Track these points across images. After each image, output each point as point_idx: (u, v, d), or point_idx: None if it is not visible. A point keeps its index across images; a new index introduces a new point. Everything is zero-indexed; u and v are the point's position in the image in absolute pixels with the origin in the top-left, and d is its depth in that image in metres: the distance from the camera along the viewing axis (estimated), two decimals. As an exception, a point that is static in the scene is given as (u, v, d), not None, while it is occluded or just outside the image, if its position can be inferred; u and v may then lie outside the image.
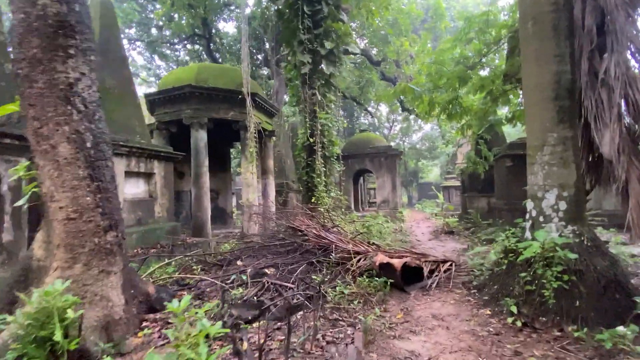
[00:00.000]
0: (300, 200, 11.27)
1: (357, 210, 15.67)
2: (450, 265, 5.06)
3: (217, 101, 7.59)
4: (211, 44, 19.23)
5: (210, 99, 7.52)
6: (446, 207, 10.60)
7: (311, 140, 10.10)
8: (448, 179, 19.94)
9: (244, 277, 3.99)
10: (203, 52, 19.39)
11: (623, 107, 3.86)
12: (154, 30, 19.85)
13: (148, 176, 6.00)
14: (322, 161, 10.52)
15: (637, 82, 3.76)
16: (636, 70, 4.02)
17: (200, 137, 7.37)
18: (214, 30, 20.46)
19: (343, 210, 12.25)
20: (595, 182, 4.45)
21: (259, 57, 19.55)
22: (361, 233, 6.40)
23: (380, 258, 4.32)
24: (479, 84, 7.42)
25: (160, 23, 19.54)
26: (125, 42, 20.20)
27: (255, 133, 7.29)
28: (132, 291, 3.29)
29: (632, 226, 3.42)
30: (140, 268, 4.43)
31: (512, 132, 14.52)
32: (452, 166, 23.08)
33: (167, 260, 4.87)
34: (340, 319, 3.26)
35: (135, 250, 5.29)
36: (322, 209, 9.71)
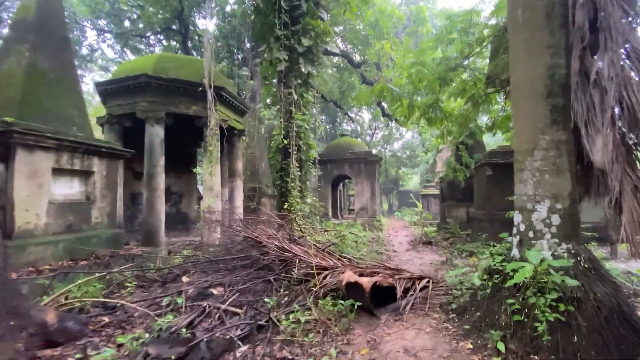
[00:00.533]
0: (275, 206, 10.56)
1: (336, 217, 15.10)
2: (428, 282, 4.50)
3: (178, 94, 6.82)
4: (188, 41, 18.32)
5: (169, 92, 6.75)
6: (425, 216, 10.19)
7: (286, 142, 9.47)
8: (427, 187, 19.77)
9: (180, 300, 3.26)
10: (179, 49, 18.42)
11: (617, 112, 3.46)
12: (127, 23, 18.73)
13: (85, 175, 5.15)
14: (297, 165, 9.90)
15: (633, 84, 3.37)
16: (632, 72, 3.66)
17: (155, 133, 6.56)
18: (191, 27, 19.58)
19: (319, 217, 11.63)
20: (585, 193, 4.03)
21: (239, 56, 18.83)
22: (333, 244, 5.78)
23: (348, 276, 3.70)
24: (461, 87, 7.05)
25: (135, 16, 18.50)
26: (93, 33, 18.95)
27: (217, 131, 6.55)
28: (14, 321, 2.51)
29: (626, 242, 2.98)
30: (52, 286, 3.60)
31: (491, 143, 14.44)
32: (432, 174, 23.02)
33: (97, 275, 4.05)
34: (291, 358, 2.60)
35: (60, 264, 4.43)
36: (293, 217, 9.05)
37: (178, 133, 8.59)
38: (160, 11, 17.27)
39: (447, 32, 6.63)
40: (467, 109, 7.43)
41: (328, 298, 3.62)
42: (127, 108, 6.77)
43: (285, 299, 3.63)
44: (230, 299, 3.44)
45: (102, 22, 18.22)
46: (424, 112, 7.50)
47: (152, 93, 6.65)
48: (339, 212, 15.79)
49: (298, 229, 6.63)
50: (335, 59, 15.17)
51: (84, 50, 19.45)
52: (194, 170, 6.05)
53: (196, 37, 20.33)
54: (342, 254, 5.69)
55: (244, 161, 11.71)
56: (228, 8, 19.47)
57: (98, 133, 8.04)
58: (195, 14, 18.66)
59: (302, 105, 10.32)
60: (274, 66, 9.73)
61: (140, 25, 17.26)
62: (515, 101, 3.52)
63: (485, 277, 3.38)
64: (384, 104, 13.80)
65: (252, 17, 10.71)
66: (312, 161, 10.48)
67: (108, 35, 18.12)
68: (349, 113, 19.37)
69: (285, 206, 9.40)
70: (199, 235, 7.93)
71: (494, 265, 3.31)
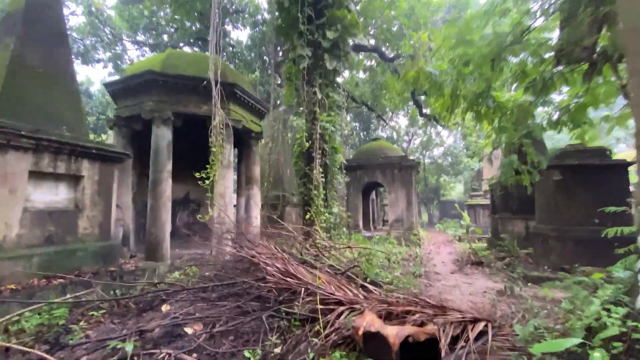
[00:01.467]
0: (301, 216, 9.63)
1: (367, 229, 13.79)
2: (486, 326, 3.20)
3: (186, 92, 6.22)
4: (221, 51, 18.41)
5: (176, 90, 6.16)
6: (473, 230, 8.60)
7: (308, 144, 8.55)
8: (473, 196, 17.69)
9: (129, 348, 2.36)
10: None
11: None
12: (165, 37, 19.41)
13: (74, 180, 4.57)
14: (322, 171, 8.91)
15: None
16: None
17: (161, 135, 5.97)
18: (227, 39, 19.80)
19: (346, 229, 10.47)
20: None
21: (272, 63, 18.57)
22: (354, 266, 4.65)
23: (368, 321, 2.57)
24: (519, 69, 5.64)
25: (172, 29, 19.13)
26: (131, 46, 19.83)
27: (224, 130, 5.78)
28: None
29: None
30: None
31: (549, 144, 12.30)
32: (478, 183, 20.76)
33: (57, 300, 3.33)
34: None
35: (31, 282, 3.80)
36: (312, 229, 8.02)
37: (194, 136, 8.05)
38: (196, 23, 17.63)
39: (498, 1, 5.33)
40: (525, 101, 5.95)
41: (338, 353, 2.52)
42: (134, 109, 6.29)
43: (277, 350, 2.59)
44: (212, 342, 2.48)
45: (141, 37, 19.01)
46: (471, 103, 6.15)
47: (158, 92, 6.10)
48: (371, 223, 14.47)
49: (314, 244, 5.58)
50: (366, 60, 14.14)
51: (126, 65, 20.50)
52: (196, 174, 5.28)
53: (231, 49, 20.55)
54: (368, 279, 4.54)
55: (267, 167, 10.99)
56: (259, 17, 19.47)
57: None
58: (229, 24, 18.80)
59: (328, 106, 9.38)
60: (298, 64, 8.95)
61: (175, 36, 17.67)
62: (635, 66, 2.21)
63: (583, 337, 2.05)
64: (421, 100, 12.38)
65: (276, 15, 10.11)
66: (338, 167, 9.43)
67: (146, 48, 18.82)
68: (383, 117, 18.05)
69: (307, 216, 8.42)
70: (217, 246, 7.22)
71: (610, 322, 1.99)
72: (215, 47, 5.84)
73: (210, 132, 6.28)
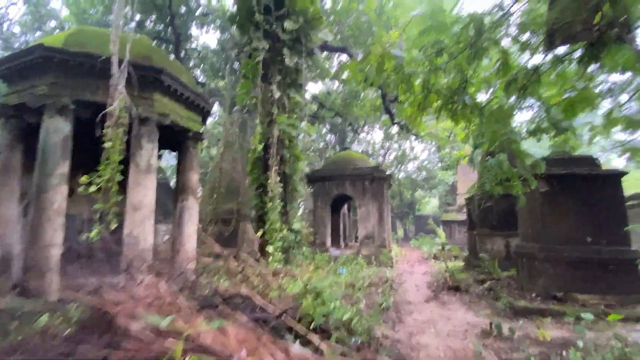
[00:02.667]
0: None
1: (337, 246, 12.57)
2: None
3: (95, 76, 4.87)
4: (181, 50, 17.12)
5: (82, 72, 4.82)
6: (449, 249, 7.60)
7: (259, 148, 7.34)
8: (448, 211, 17.03)
9: None
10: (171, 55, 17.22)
11: None
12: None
13: None
14: (280, 180, 7.69)
15: None
16: None
17: (54, 128, 4.56)
18: (193, 44, 18.64)
19: (308, 248, 9.21)
20: None
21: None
22: (284, 312, 3.40)
23: None
24: (502, 59, 4.78)
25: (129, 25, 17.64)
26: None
27: (125, 121, 4.45)
28: None
29: None
30: None
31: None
32: (453, 197, 20.26)
33: None
34: None
35: None
36: (271, 249, 6.72)
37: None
38: (156, 21, 16.31)
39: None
40: (502, 104, 5.09)
41: None
42: (24, 95, 4.83)
43: None
44: None
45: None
46: (446, 100, 5.21)
47: (56, 73, 4.72)
48: (341, 240, 13.29)
49: (243, 274, 4.30)
50: (335, 64, 13.37)
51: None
52: (83, 179, 3.88)
53: (197, 54, 19.28)
54: (317, 323, 3.30)
55: (218, 177, 9.62)
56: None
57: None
58: (196, 27, 17.60)
59: (290, 109, 8.28)
60: (254, 59, 7.85)
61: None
62: None
63: None
64: (393, 108, 11.56)
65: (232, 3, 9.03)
66: (300, 176, 8.26)
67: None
68: (354, 126, 17.21)
69: (259, 234, 7.11)
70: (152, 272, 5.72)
71: None
72: (119, 11, 4.58)
73: (134, 130, 4.94)
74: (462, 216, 14.97)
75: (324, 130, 31.40)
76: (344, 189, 11.10)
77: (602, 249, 5.14)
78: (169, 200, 15.87)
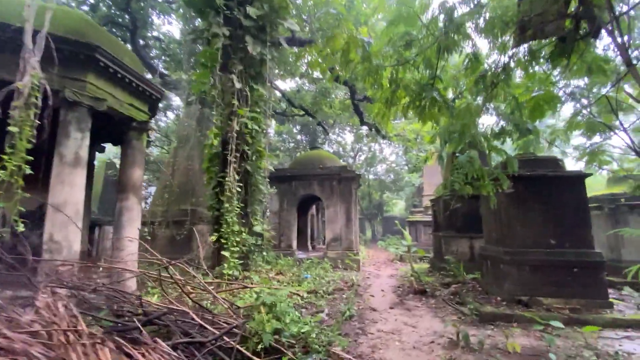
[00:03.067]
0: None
1: (304, 249, 12.11)
2: None
3: (6, 49, 4.01)
4: (138, 39, 15.82)
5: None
6: (415, 251, 7.41)
7: (215, 142, 6.70)
8: (414, 212, 17.19)
9: None
10: (128, 46, 15.84)
11: None
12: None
13: None
14: (240, 179, 7.08)
15: None
16: None
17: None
18: (155, 32, 17.32)
19: (271, 252, 8.66)
20: None
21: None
22: (224, 332, 2.89)
23: None
24: (471, 56, 4.60)
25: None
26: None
27: (37, 100, 3.68)
28: None
29: None
30: None
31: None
32: (419, 199, 20.57)
33: None
34: None
35: None
36: (227, 255, 6.11)
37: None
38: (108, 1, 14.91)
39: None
40: (471, 102, 4.91)
41: None
42: None
43: None
44: None
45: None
46: (414, 97, 4.94)
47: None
48: (309, 242, 12.84)
49: (182, 287, 3.71)
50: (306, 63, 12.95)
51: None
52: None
53: (156, 42, 17.96)
54: (261, 345, 2.80)
55: (172, 175, 8.79)
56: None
57: None
58: (151, 11, 16.31)
59: (253, 102, 7.69)
60: (212, 46, 7.17)
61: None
62: None
63: None
64: (362, 107, 11.30)
65: None
66: (262, 174, 7.68)
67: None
68: (323, 124, 16.83)
69: (213, 238, 6.45)
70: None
71: None
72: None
73: (62, 116, 4.14)
74: (428, 217, 15.13)
75: (295, 130, 30.88)
76: (312, 189, 10.66)
77: (566, 251, 5.11)
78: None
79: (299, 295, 4.57)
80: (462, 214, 8.11)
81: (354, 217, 10.44)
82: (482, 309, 4.87)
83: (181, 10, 15.60)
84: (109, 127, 5.71)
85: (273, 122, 30.49)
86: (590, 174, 5.46)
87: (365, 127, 13.45)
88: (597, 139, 5.96)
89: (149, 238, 8.59)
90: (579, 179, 5.35)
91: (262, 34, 7.68)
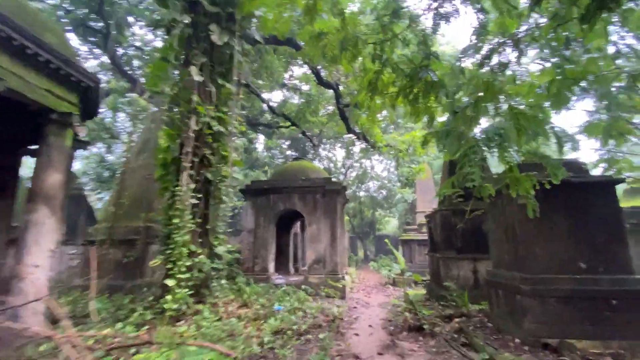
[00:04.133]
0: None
1: (285, 272, 10.72)
2: None
3: None
4: (115, 46, 14.92)
5: None
6: (409, 276, 6.18)
7: (165, 146, 5.54)
8: (408, 230, 16.00)
9: None
10: (99, 53, 14.93)
11: None
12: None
13: None
14: (195, 188, 5.87)
15: None
16: None
17: None
18: (136, 43, 16.49)
19: (242, 277, 7.33)
20: None
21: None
22: None
23: None
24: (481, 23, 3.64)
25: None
26: None
27: None
28: None
29: None
30: None
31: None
32: (412, 216, 19.44)
33: None
34: None
35: None
36: (171, 283, 4.81)
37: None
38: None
39: None
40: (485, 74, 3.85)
41: None
42: None
43: None
44: None
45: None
46: (405, 85, 3.89)
47: None
48: (291, 265, 11.47)
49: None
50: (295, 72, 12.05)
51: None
52: None
53: (132, 44, 17.07)
54: None
55: (124, 186, 7.53)
56: None
57: None
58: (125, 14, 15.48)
59: (220, 101, 6.62)
60: (172, 35, 6.16)
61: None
62: None
63: None
64: (346, 106, 10.22)
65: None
66: (226, 185, 6.46)
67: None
68: (313, 141, 15.77)
69: (156, 262, 5.15)
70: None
71: None
72: None
73: None
74: (423, 235, 13.93)
75: (284, 146, 29.93)
76: (292, 204, 9.44)
77: (600, 278, 3.97)
78: (82, 216, 12.97)
79: (228, 356, 3.26)
80: (462, 232, 6.97)
81: (340, 235, 9.20)
82: (499, 358, 3.63)
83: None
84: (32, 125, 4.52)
85: (262, 137, 29.59)
86: (622, 180, 4.42)
87: (352, 136, 12.41)
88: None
89: (93, 260, 7.19)
90: (609, 185, 4.29)
91: (231, 24, 6.71)
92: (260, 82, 13.76)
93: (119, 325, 4.48)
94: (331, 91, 11.46)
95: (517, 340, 4.18)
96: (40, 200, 4.19)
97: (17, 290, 3.85)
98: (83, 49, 17.52)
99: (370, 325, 5.84)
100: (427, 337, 4.98)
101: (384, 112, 10.00)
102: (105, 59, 16.49)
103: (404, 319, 5.67)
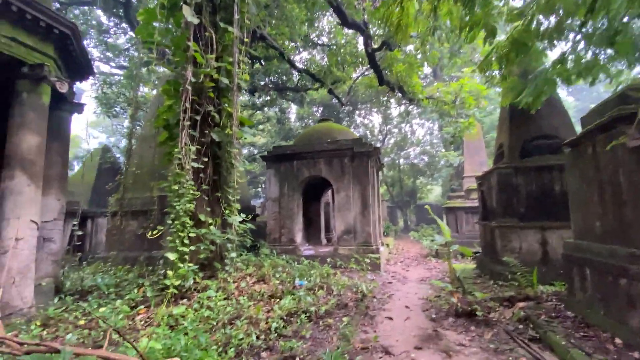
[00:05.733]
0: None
1: (317, 243, 10.05)
2: None
3: None
4: (134, 12, 14.49)
5: None
6: (457, 249, 5.01)
7: (170, 103, 4.77)
8: (453, 197, 14.38)
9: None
10: (121, 20, 14.56)
11: None
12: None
13: None
14: (203, 152, 5.13)
15: None
16: None
17: None
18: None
19: (266, 248, 6.69)
20: None
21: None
22: None
23: None
24: None
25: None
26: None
27: None
28: None
29: None
30: None
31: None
32: (458, 181, 17.59)
33: None
34: None
35: None
36: (172, 257, 4.22)
37: None
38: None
39: None
40: None
41: None
42: None
43: None
44: None
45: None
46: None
47: None
48: (322, 235, 10.76)
49: None
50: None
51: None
52: None
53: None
54: None
55: (142, 155, 7.08)
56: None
57: None
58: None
59: (222, 47, 5.66)
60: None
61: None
62: None
63: None
64: (377, 50, 8.56)
65: None
66: (237, 144, 5.62)
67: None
68: (342, 100, 14.19)
69: (153, 233, 4.58)
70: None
71: None
72: None
73: None
74: (471, 203, 12.34)
75: (318, 114, 28.69)
76: (318, 170, 8.49)
77: None
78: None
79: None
80: (528, 194, 5.54)
81: (372, 202, 8.14)
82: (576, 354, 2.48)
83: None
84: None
85: (294, 108, 28.51)
86: None
87: (385, 88, 10.72)
88: None
89: (114, 232, 7.03)
90: None
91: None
92: (281, 41, 12.48)
93: (118, 302, 4.02)
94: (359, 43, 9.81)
95: (617, 341, 2.95)
96: (17, 165, 3.67)
97: (-4, 265, 3.44)
98: (109, 24, 17.53)
99: (406, 307, 4.88)
100: (481, 327, 3.90)
101: (418, 61, 8.31)
102: (132, 33, 16.20)
103: (448, 301, 4.61)
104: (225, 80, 5.44)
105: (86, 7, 15.69)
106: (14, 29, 3.72)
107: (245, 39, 5.77)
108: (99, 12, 16.49)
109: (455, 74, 15.04)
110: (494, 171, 6.00)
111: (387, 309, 4.76)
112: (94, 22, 16.37)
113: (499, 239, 5.70)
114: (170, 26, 5.68)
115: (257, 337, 3.17)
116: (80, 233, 7.07)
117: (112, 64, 19.09)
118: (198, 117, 5.18)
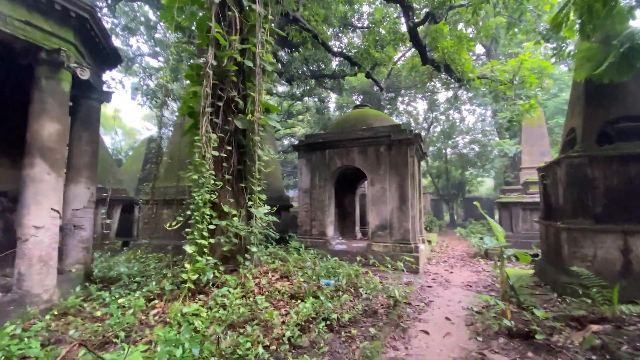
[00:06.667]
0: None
1: (350, 237, 9.57)
2: None
3: None
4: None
5: None
6: (513, 253, 4.18)
7: (195, 89, 4.55)
8: (507, 191, 12.86)
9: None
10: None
11: None
12: None
13: None
14: (216, 137, 4.89)
15: None
16: None
17: None
18: None
19: (297, 241, 6.37)
20: None
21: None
22: None
23: None
24: None
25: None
26: None
27: None
28: None
29: None
30: None
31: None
32: (514, 173, 15.79)
33: None
34: None
35: None
36: (191, 250, 4.05)
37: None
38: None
39: None
40: None
41: None
42: None
43: None
44: None
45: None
46: None
47: None
48: (357, 229, 10.21)
49: None
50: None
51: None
52: None
53: None
54: None
55: (180, 144, 7.10)
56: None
57: None
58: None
59: (246, 26, 5.32)
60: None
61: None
62: None
63: None
64: (419, 23, 7.51)
65: None
66: (263, 134, 5.28)
67: None
68: (372, 74, 13.01)
69: (173, 224, 4.43)
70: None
71: None
72: None
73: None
74: (530, 198, 10.89)
75: (358, 102, 27.77)
76: (351, 160, 7.93)
77: None
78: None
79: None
80: (606, 189, 4.48)
81: (412, 196, 7.39)
82: None
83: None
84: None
85: (334, 96, 27.84)
86: None
87: (429, 67, 9.56)
88: None
89: (146, 221, 7.21)
90: None
91: None
92: (315, 23, 11.88)
93: (136, 294, 3.95)
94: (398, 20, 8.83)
95: None
96: (37, 153, 3.68)
97: (20, 253, 3.49)
98: (156, 19, 18.28)
99: (447, 318, 4.22)
100: (541, 353, 3.16)
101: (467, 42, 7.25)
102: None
103: (501, 314, 3.87)
104: (249, 63, 5.10)
105: (135, 4, 16.43)
106: (29, 12, 3.68)
107: (270, 17, 5.34)
108: (147, 9, 17.26)
109: (514, 50, 13.24)
110: (562, 161, 4.95)
111: (423, 320, 4.16)
112: (142, 19, 17.15)
113: (567, 243, 4.71)
114: (195, 9, 5.49)
115: (266, 347, 2.82)
116: (108, 221, 7.43)
117: (161, 59, 20.03)
118: (221, 103, 4.92)
